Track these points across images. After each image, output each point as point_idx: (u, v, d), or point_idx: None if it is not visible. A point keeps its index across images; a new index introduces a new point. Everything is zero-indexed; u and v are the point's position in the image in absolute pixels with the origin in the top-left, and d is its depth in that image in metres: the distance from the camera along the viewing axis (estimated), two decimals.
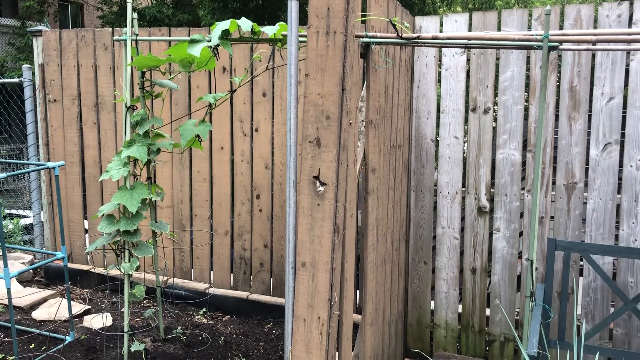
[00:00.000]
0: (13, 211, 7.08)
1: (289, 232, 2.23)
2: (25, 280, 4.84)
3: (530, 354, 2.16)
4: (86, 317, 4.04)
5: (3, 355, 3.44)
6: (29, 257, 5.11)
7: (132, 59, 3.10)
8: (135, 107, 3.13)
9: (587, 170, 3.40)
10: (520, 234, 3.69)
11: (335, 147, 2.16)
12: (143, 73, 3.13)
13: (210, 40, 2.67)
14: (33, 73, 4.95)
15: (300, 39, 2.39)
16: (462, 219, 3.72)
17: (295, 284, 2.22)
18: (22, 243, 5.76)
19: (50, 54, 4.72)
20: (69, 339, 3.59)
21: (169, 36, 4.17)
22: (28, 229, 6.00)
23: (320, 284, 2.18)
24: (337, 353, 2.39)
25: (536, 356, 2.18)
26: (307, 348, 2.20)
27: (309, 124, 2.19)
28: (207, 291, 4.29)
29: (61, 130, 4.78)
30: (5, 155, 11.49)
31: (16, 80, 5.12)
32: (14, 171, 2.95)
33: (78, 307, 4.18)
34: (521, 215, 3.62)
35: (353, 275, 2.51)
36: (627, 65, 3.26)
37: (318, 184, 2.18)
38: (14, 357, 3.20)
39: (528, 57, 3.47)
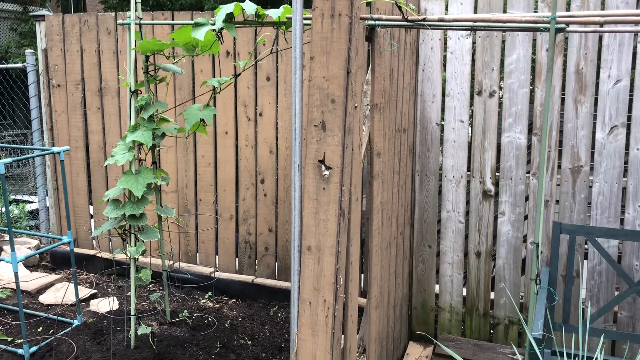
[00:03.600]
0: (19, 197, 7.11)
1: (294, 216, 2.23)
2: (31, 265, 4.87)
3: (535, 336, 2.17)
4: (93, 301, 4.07)
5: (12, 338, 3.48)
6: (35, 242, 5.14)
7: (136, 43, 3.09)
8: (139, 92, 3.12)
9: (592, 153, 3.38)
10: (525, 217, 3.68)
11: (341, 131, 2.15)
12: (147, 57, 3.12)
13: (214, 24, 2.66)
14: (37, 58, 4.93)
15: (305, 21, 2.37)
16: (467, 202, 3.72)
17: (301, 267, 2.23)
18: (27, 228, 5.79)
19: (53, 39, 4.70)
20: (76, 322, 3.62)
21: (172, 20, 4.14)
22: (34, 214, 6.03)
23: (326, 268, 2.19)
24: (342, 336, 2.41)
25: (541, 339, 2.18)
26: (313, 331, 2.21)
27: (314, 108, 2.18)
28: (212, 275, 4.31)
29: (65, 116, 4.78)
30: (10, 141, 11.51)
31: (19, 65, 5.11)
32: (19, 157, 2.95)
33: (84, 292, 4.21)
34: (526, 198, 3.62)
35: (358, 259, 2.52)
36: (635, 47, 3.23)
37: (323, 168, 2.17)
38: (22, 340, 3.23)
39: (534, 40, 3.44)
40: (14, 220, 5.78)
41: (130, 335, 3.27)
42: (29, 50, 5.01)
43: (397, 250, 3.39)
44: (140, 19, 3.09)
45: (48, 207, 5.19)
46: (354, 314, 2.52)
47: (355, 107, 2.25)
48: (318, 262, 2.20)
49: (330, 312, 2.18)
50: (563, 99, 3.41)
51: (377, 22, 2.44)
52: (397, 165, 3.29)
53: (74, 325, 3.58)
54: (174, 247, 4.49)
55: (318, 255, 2.20)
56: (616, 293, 3.39)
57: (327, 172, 2.17)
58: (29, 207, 6.24)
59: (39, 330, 3.59)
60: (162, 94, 4.30)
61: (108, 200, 3.03)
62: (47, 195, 5.17)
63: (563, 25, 2.32)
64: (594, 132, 3.36)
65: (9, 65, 5.20)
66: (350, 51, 2.13)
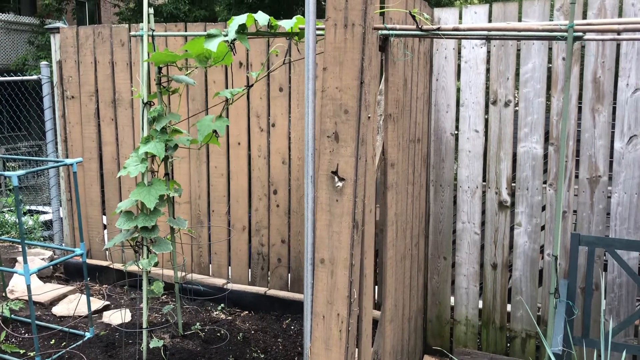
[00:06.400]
0: (33, 207, 7.16)
1: (307, 228, 2.20)
2: (45, 276, 4.87)
3: (555, 351, 2.11)
4: (105, 313, 4.05)
5: (24, 350, 3.46)
6: (48, 253, 5.15)
7: (148, 55, 3.09)
8: (152, 103, 3.12)
9: (611, 163, 3.32)
10: (542, 228, 3.62)
11: (354, 141, 2.13)
12: (160, 69, 3.12)
13: (227, 35, 2.64)
14: (51, 70, 4.97)
15: (318, 32, 2.35)
16: (483, 213, 3.67)
17: (314, 280, 2.19)
18: (41, 239, 5.82)
19: (67, 51, 4.73)
20: (88, 335, 3.60)
21: (185, 31, 4.15)
22: (48, 225, 6.05)
23: (340, 281, 2.15)
24: (356, 350, 2.36)
25: (560, 354, 2.13)
26: (326, 345, 2.17)
27: (327, 119, 2.15)
28: (225, 287, 4.28)
29: (79, 127, 4.80)
30: (25, 152, 11.61)
31: (34, 77, 5.15)
32: (33, 168, 2.96)
33: (97, 303, 4.20)
34: (543, 209, 3.56)
35: (372, 271, 2.48)
36: None
37: (336, 179, 2.14)
38: (34, 352, 3.22)
39: (550, 49, 3.40)
40: (28, 231, 5.80)
41: (142, 348, 3.24)
42: (43, 63, 5.05)
43: (411, 262, 3.34)
44: (153, 30, 3.09)
45: (62, 218, 5.20)
46: (368, 328, 2.47)
47: (369, 117, 2.22)
48: (331, 275, 2.16)
49: (344, 326, 2.14)
50: (580, 108, 3.36)
51: (391, 32, 2.41)
52: (411, 176, 3.25)
53: (85, 338, 3.57)
54: (186, 258, 4.46)
55: (331, 268, 2.16)
56: (637, 306, 3.31)
57: (340, 184, 2.14)
58: (43, 217, 6.27)
59: (51, 342, 3.58)
60: (175, 106, 4.31)
61: (121, 212, 3.02)
62: (60, 206, 5.18)
63: (580, 34, 2.27)
64: (612, 142, 3.30)
65: (25, 78, 5.25)
66: (364, 61, 2.11)
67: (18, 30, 16.09)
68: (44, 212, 6.70)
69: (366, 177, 2.24)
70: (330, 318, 2.16)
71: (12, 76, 5.53)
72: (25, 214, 6.36)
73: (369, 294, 2.44)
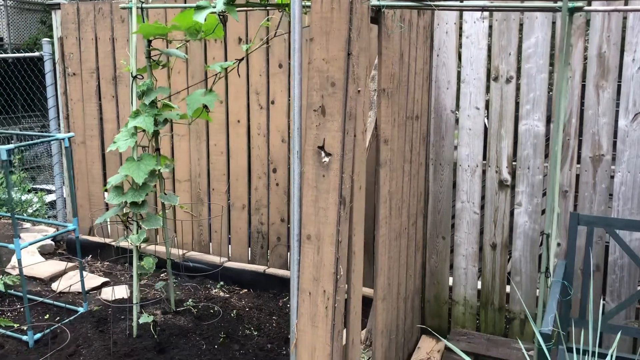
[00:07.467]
0: (40, 186, 7.19)
1: (294, 204, 2.16)
2: (47, 252, 4.90)
3: (544, 332, 2.06)
4: (104, 289, 4.07)
5: (18, 324, 3.48)
6: (52, 230, 5.18)
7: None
8: (142, 77, 3.07)
9: (614, 142, 3.22)
10: (544, 212, 3.54)
11: (341, 115, 2.07)
12: (149, 42, 3.06)
13: (215, 7, 2.58)
14: (53, 47, 4.94)
15: (308, 3, 2.28)
16: (483, 198, 3.59)
17: (300, 256, 2.16)
18: (46, 217, 5.85)
19: (68, 27, 4.70)
20: (81, 310, 3.61)
21: (185, 4, 4.08)
22: (53, 204, 6.08)
23: (326, 257, 2.11)
24: (345, 329, 2.33)
25: (550, 334, 2.07)
26: (312, 322, 2.15)
27: (313, 92, 2.09)
28: (223, 264, 4.26)
29: (80, 104, 4.78)
30: (38, 132, 11.64)
31: (36, 54, 5.12)
32: (23, 143, 2.95)
33: (96, 280, 4.21)
34: (544, 194, 3.47)
35: (362, 249, 2.43)
36: None
37: (323, 154, 2.09)
38: (26, 326, 3.22)
39: (554, 22, 3.29)
40: (33, 209, 5.83)
41: (132, 324, 3.23)
42: (45, 39, 5.03)
43: (408, 241, 3.29)
44: (142, 2, 3.03)
45: (64, 198, 5.21)
46: (357, 306, 2.43)
47: (359, 91, 2.16)
48: (318, 251, 2.13)
49: (330, 302, 2.11)
50: (584, 86, 3.26)
51: (382, 3, 2.33)
52: (409, 154, 3.18)
53: (78, 313, 3.57)
54: (175, 235, 4.42)
55: (318, 245, 2.12)
56: (639, 288, 3.24)
57: (326, 159, 2.09)
58: (50, 197, 6.30)
59: (46, 317, 3.59)
60: (174, 82, 4.26)
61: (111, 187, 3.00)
62: (64, 184, 5.19)
63: (581, 4, 2.18)
64: (616, 120, 3.20)
65: (26, 54, 5.23)
66: (351, 32, 2.04)
67: (30, 9, 16.09)
68: (52, 191, 6.73)
69: (355, 153, 2.18)
70: (317, 294, 2.13)
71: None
72: (29, 191, 6.39)
73: (358, 271, 2.40)
